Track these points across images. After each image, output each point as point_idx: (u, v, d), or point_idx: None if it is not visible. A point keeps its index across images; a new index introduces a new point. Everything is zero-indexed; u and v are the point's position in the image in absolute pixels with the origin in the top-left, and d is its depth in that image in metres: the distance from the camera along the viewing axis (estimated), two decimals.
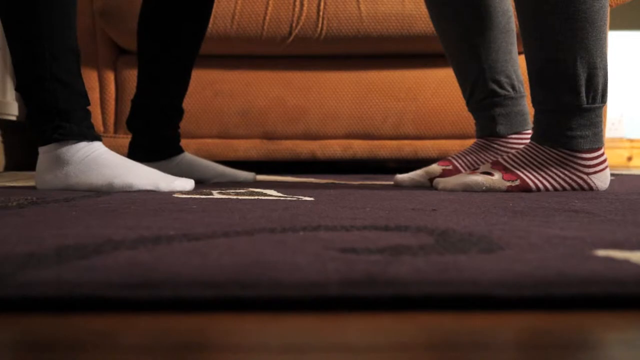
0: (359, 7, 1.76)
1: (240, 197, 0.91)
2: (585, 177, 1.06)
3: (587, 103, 1.05)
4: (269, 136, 1.83)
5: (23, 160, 2.07)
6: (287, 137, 1.83)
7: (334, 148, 1.83)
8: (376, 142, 1.84)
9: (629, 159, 3.17)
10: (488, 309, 0.36)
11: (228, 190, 1.04)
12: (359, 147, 1.84)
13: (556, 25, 1.03)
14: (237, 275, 0.38)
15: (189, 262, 0.41)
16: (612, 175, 1.76)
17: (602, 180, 1.08)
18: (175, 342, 0.31)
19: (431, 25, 1.76)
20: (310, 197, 0.92)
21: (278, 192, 1.02)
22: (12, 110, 2.02)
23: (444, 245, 0.48)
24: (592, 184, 1.07)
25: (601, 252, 0.45)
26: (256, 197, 0.92)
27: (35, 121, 1.06)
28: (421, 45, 1.81)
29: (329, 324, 0.34)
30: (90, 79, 1.78)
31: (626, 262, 0.42)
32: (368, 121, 1.83)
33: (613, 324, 0.35)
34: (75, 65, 1.07)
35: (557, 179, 1.06)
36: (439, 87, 1.83)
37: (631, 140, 3.19)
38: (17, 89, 1.06)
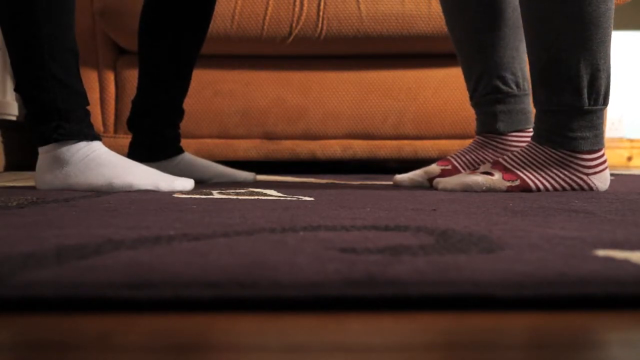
0: (359, 7, 1.76)
1: (240, 197, 0.91)
2: (585, 177, 1.06)
3: (589, 105, 1.04)
4: (269, 136, 1.83)
5: (23, 160, 2.07)
6: (287, 137, 1.83)
7: (334, 148, 1.83)
8: (376, 142, 1.84)
9: (629, 159, 3.17)
10: (488, 309, 0.36)
11: (228, 190, 1.04)
12: (359, 147, 1.84)
13: (560, 25, 1.03)
14: (237, 275, 0.38)
15: (189, 262, 0.41)
16: (612, 175, 1.76)
17: (602, 181, 1.08)
18: (175, 342, 0.31)
19: (431, 25, 1.77)
20: (310, 197, 0.92)
21: (278, 192, 1.02)
22: (12, 110, 2.02)
23: (444, 245, 0.48)
24: (592, 185, 1.07)
25: (601, 252, 0.45)
26: (256, 197, 0.92)
27: (35, 121, 1.05)
28: (421, 45, 1.81)
29: (329, 324, 0.34)
30: (90, 79, 1.78)
31: (626, 262, 0.42)
32: (368, 121, 1.83)
33: (613, 324, 0.35)
34: (74, 65, 1.07)
35: (558, 179, 1.06)
36: (439, 87, 1.83)
37: (631, 140, 3.19)
38: (16, 89, 1.06)
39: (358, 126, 1.83)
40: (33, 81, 1.04)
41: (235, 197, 0.92)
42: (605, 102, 1.06)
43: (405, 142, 1.84)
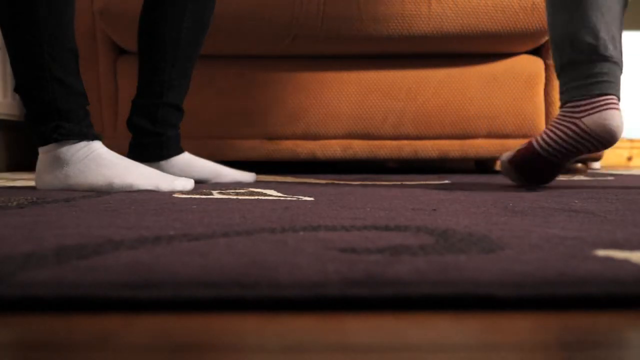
0: (359, 7, 1.76)
1: (240, 197, 0.91)
2: (576, 121, 1.07)
3: (575, 55, 1.09)
4: (269, 136, 1.83)
5: (23, 160, 2.07)
6: (287, 137, 1.83)
7: (334, 148, 1.83)
8: (376, 142, 1.84)
9: (629, 159, 3.17)
10: (488, 309, 0.36)
11: (228, 190, 1.04)
12: (359, 147, 1.83)
13: None
14: (237, 275, 0.38)
15: (189, 262, 0.41)
16: (612, 175, 1.76)
17: (594, 121, 1.06)
18: (175, 342, 0.31)
19: (431, 25, 1.76)
20: (310, 197, 0.92)
21: (278, 192, 1.02)
22: (12, 110, 2.02)
23: (444, 245, 0.48)
24: (582, 126, 1.06)
25: (601, 252, 0.45)
26: (256, 197, 0.92)
27: (35, 121, 1.05)
28: (421, 45, 1.81)
29: (329, 324, 0.34)
30: (90, 79, 1.78)
31: (626, 262, 0.42)
32: (368, 121, 1.83)
33: (613, 324, 0.35)
34: (74, 65, 1.07)
35: (550, 132, 1.11)
36: (439, 87, 1.83)
37: (631, 140, 3.19)
38: (16, 89, 1.06)
39: (358, 126, 1.83)
40: (33, 81, 1.04)
41: (235, 197, 0.92)
42: (590, 56, 1.09)
43: (405, 142, 1.84)
